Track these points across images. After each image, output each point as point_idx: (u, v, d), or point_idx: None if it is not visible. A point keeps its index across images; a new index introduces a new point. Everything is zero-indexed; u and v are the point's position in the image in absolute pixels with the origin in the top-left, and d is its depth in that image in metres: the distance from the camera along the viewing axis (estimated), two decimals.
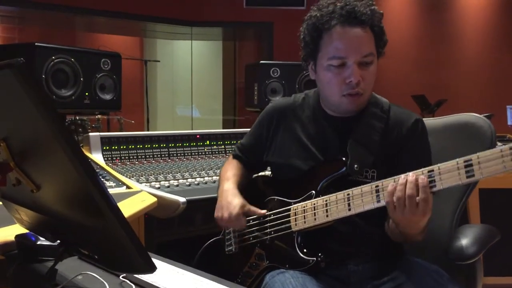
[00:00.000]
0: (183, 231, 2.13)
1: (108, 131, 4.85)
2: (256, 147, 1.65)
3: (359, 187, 1.29)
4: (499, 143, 3.46)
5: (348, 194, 1.31)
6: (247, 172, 1.69)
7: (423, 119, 1.57)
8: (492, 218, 2.88)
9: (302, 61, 1.53)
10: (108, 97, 2.69)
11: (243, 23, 6.75)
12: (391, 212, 1.22)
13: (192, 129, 6.95)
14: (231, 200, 1.51)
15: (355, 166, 1.38)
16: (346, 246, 1.42)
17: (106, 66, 2.67)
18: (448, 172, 1.14)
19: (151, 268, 0.79)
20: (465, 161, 1.12)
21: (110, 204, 0.73)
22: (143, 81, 6.48)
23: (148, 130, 6.04)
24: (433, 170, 1.17)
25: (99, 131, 4.08)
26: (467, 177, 1.12)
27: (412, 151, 1.45)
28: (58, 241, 0.97)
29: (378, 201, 1.25)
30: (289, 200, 1.47)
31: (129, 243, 0.76)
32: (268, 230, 1.48)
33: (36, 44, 2.43)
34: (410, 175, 1.19)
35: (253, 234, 1.52)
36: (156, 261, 1.17)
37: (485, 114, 5.58)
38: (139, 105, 7.16)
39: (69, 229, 0.91)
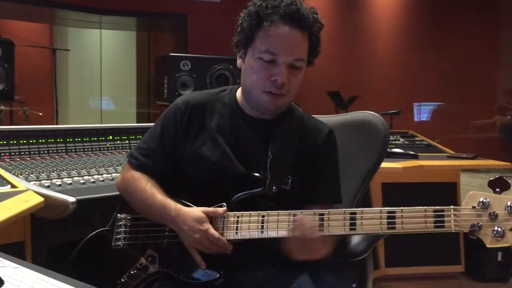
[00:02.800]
0: (78, 232, 2.01)
1: (11, 124, 4.53)
2: (165, 147, 1.46)
3: (276, 211, 1.27)
4: (401, 139, 3.62)
5: (263, 217, 1.27)
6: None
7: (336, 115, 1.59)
8: None
9: (234, 47, 1.46)
10: None
11: (155, 13, 6.60)
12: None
13: (101, 122, 6.70)
14: (191, 218, 1.32)
15: (274, 188, 1.34)
16: (246, 255, 1.34)
17: None
18: (335, 220, 1.20)
19: None
20: (351, 213, 1.18)
21: None
22: (52, 71, 6.14)
23: (57, 123, 5.74)
24: (323, 214, 1.21)
25: (1, 123, 3.80)
26: (350, 229, 1.18)
27: (325, 162, 1.46)
28: None
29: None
30: (195, 206, 1.36)
31: None
32: (167, 233, 1.39)
33: None
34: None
35: (147, 234, 1.42)
36: (23, 270, 1.07)
37: (393, 111, 5.78)
38: (48, 96, 6.78)
39: None
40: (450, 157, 3.14)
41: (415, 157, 3.00)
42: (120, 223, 1.48)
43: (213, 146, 1.42)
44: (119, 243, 1.45)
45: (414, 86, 8.06)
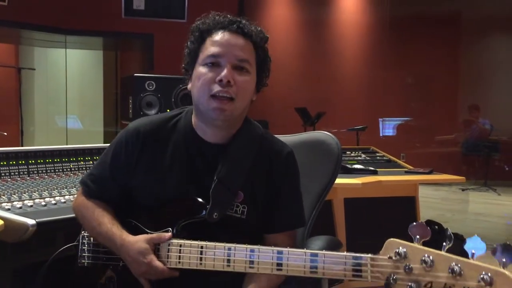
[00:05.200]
0: (42, 253, 2.01)
1: None
2: (116, 177, 1.44)
3: (213, 243, 1.24)
4: (363, 155, 3.72)
5: (202, 247, 1.24)
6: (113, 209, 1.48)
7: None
8: (356, 224, 3.09)
9: (184, 71, 1.44)
10: None
11: (121, 33, 6.62)
12: None
13: (66, 142, 6.64)
14: (134, 250, 1.32)
15: (215, 214, 1.32)
16: (200, 285, 1.34)
17: None
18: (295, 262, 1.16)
19: None
20: (311, 254, 1.13)
21: None
22: (18, 90, 6.09)
23: (22, 143, 5.69)
24: (282, 252, 1.17)
25: None
26: (311, 272, 1.13)
27: (284, 189, 1.44)
28: None
29: (228, 265, 1.22)
30: (146, 230, 1.38)
31: None
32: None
33: None
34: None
35: (106, 255, 1.44)
36: None
37: (359, 126, 5.93)
38: (14, 115, 6.70)
39: None
40: (408, 172, 3.25)
41: (374, 172, 3.09)
42: (83, 240, 1.49)
43: (165, 180, 1.40)
44: (84, 261, 1.47)
45: (380, 102, 8.26)
